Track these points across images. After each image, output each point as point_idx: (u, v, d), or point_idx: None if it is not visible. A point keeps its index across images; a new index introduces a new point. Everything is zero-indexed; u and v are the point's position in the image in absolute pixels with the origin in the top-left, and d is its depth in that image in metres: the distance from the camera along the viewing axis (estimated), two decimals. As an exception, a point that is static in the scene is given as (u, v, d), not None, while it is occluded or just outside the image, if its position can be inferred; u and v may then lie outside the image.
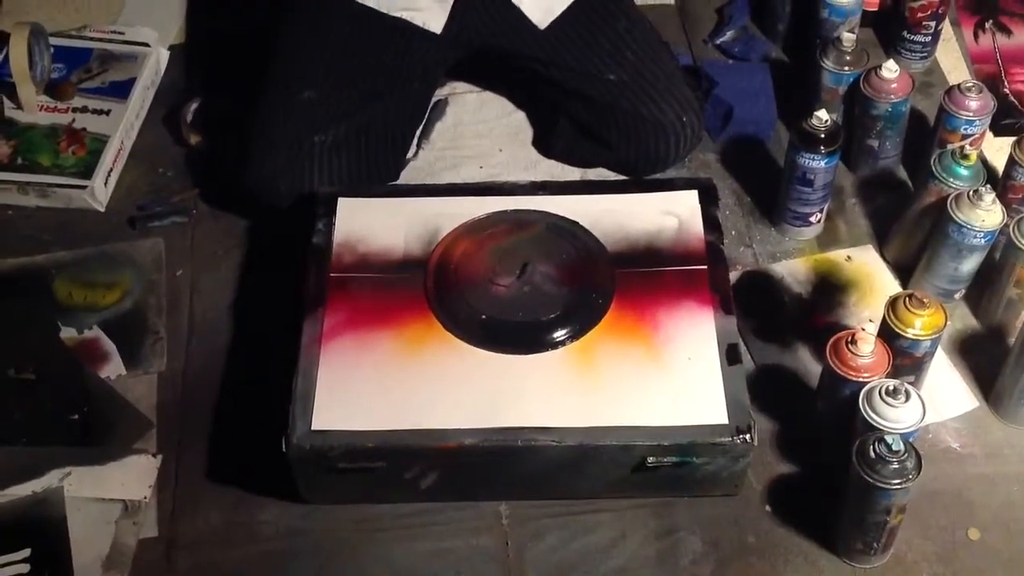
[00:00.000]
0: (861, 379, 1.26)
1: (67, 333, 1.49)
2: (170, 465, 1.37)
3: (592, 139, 1.63)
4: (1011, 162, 1.48)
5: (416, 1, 1.57)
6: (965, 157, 1.42)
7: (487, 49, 1.63)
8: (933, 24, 1.75)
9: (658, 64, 1.60)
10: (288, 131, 1.52)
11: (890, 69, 1.54)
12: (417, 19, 1.58)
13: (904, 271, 1.52)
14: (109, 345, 1.48)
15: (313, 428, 1.25)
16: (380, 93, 1.58)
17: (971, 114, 1.51)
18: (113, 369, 1.46)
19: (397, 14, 1.58)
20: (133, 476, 1.34)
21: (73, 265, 1.57)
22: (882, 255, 1.56)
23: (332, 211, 1.46)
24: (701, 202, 1.46)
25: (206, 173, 1.68)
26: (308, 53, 1.54)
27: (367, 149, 1.56)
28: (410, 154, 1.69)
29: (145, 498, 1.33)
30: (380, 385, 1.29)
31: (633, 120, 1.57)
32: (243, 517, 1.33)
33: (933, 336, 1.30)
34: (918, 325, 1.29)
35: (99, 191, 1.64)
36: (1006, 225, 1.38)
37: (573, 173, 1.67)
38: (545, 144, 1.70)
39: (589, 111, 1.60)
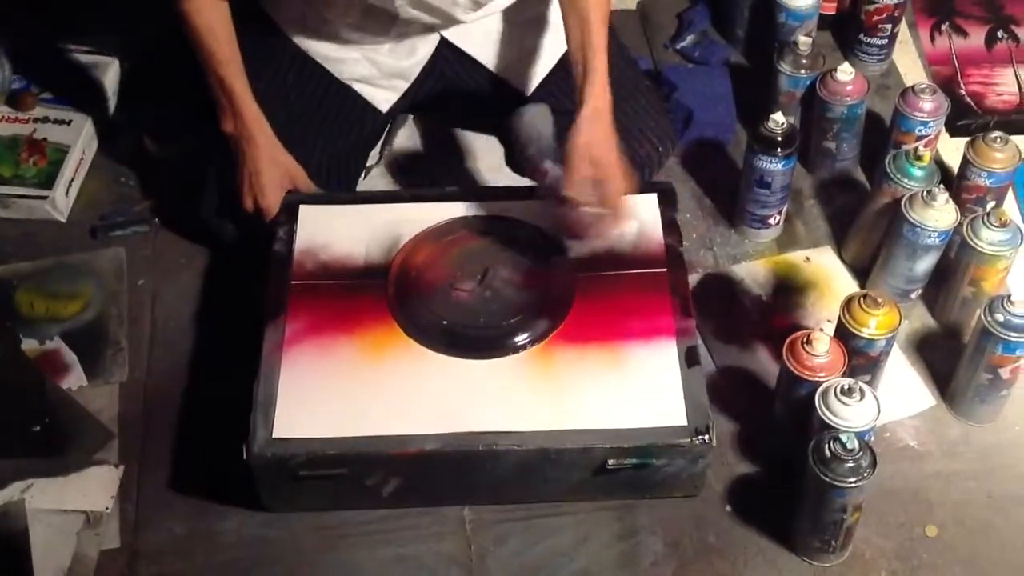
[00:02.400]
0: (817, 379, 1.27)
1: (28, 344, 1.49)
2: (132, 475, 1.37)
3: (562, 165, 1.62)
4: (965, 162, 1.50)
5: (367, 76, 1.56)
6: (919, 158, 1.44)
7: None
8: (889, 27, 1.77)
9: (635, 100, 1.59)
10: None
11: (845, 72, 1.56)
12: (365, 92, 1.58)
13: (862, 272, 1.54)
14: (70, 356, 1.48)
15: (274, 436, 1.26)
16: (333, 138, 1.57)
17: (925, 115, 1.53)
18: (74, 380, 1.45)
19: (347, 82, 1.57)
20: (95, 487, 1.34)
21: (34, 276, 1.57)
22: (840, 256, 1.58)
23: (294, 218, 1.46)
24: (661, 206, 1.47)
25: (167, 183, 1.67)
26: (263, 99, 1.49)
27: (320, 183, 1.55)
28: (373, 161, 1.69)
29: (107, 509, 1.32)
30: (341, 392, 1.30)
31: None
32: (206, 527, 1.33)
33: (888, 335, 1.31)
34: (873, 325, 1.30)
35: (60, 201, 1.64)
36: (960, 225, 1.40)
37: (533, 179, 1.68)
38: (515, 165, 1.70)
39: (561, 142, 1.60)
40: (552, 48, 1.58)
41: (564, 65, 1.56)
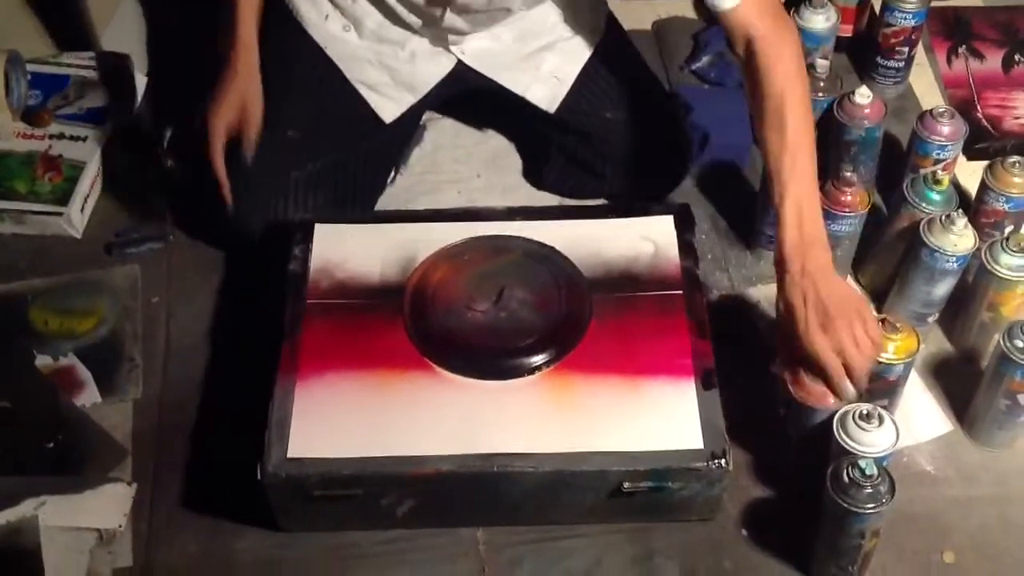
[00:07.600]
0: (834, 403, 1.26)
1: (42, 361, 1.48)
2: (145, 493, 1.36)
3: (585, 170, 1.64)
4: (983, 186, 1.50)
5: (376, 83, 1.56)
6: (937, 182, 1.43)
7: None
8: (906, 50, 1.77)
9: (654, 102, 1.61)
10: (264, 167, 1.51)
11: (863, 95, 1.56)
12: (371, 99, 1.57)
13: (879, 295, 1.53)
14: (84, 373, 1.47)
15: (289, 456, 1.25)
16: (354, 138, 1.58)
17: (943, 139, 1.53)
18: (88, 397, 1.45)
19: (355, 85, 1.56)
20: (108, 505, 1.33)
21: (49, 292, 1.57)
22: (857, 279, 1.57)
23: (309, 237, 1.46)
24: (677, 227, 1.47)
25: (183, 199, 1.67)
26: (284, 94, 1.52)
27: (343, 184, 1.55)
28: (388, 179, 1.69)
29: (120, 527, 1.32)
30: (356, 412, 1.29)
31: (629, 155, 1.58)
32: (219, 546, 1.32)
33: (906, 360, 1.31)
34: (891, 349, 1.30)
35: (75, 218, 1.64)
36: (978, 249, 1.39)
37: (550, 199, 1.68)
38: (536, 175, 1.70)
39: (584, 145, 1.61)
40: (570, 68, 1.58)
41: (584, 82, 1.58)
